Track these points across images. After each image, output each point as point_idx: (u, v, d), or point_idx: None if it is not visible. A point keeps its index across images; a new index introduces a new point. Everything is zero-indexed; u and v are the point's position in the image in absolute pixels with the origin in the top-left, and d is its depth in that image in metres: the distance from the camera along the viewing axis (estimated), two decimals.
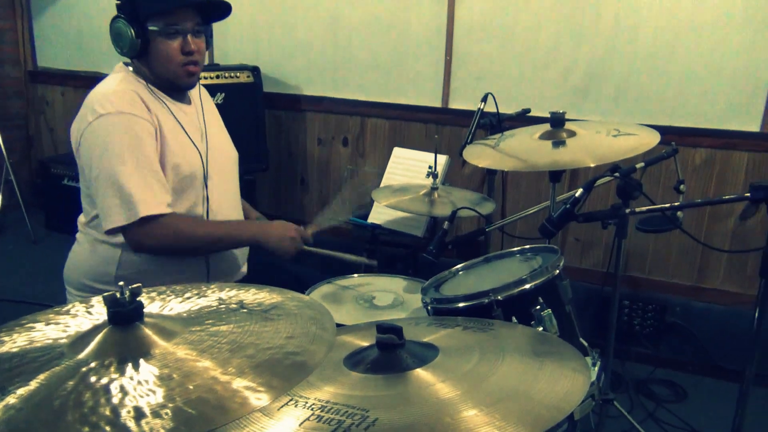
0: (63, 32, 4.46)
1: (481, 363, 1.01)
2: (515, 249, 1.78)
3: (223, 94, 3.39)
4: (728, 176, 2.90)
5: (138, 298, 0.86)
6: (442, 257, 1.83)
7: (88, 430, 0.68)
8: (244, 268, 2.06)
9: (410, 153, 2.95)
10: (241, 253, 2.02)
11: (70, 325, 0.92)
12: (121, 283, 0.84)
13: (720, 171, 2.91)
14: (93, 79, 2.02)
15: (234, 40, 3.80)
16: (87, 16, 4.27)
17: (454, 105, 3.36)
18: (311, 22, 3.59)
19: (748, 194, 1.43)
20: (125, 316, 0.85)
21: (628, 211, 1.66)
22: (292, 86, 3.74)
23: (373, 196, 2.38)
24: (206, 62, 2.26)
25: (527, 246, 1.76)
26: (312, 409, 0.93)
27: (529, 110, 2.76)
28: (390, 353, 1.04)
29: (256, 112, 3.60)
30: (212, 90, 3.19)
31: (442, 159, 2.75)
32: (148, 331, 0.85)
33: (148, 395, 0.73)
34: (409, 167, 2.90)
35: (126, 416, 0.70)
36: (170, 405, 0.72)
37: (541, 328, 1.41)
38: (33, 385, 0.77)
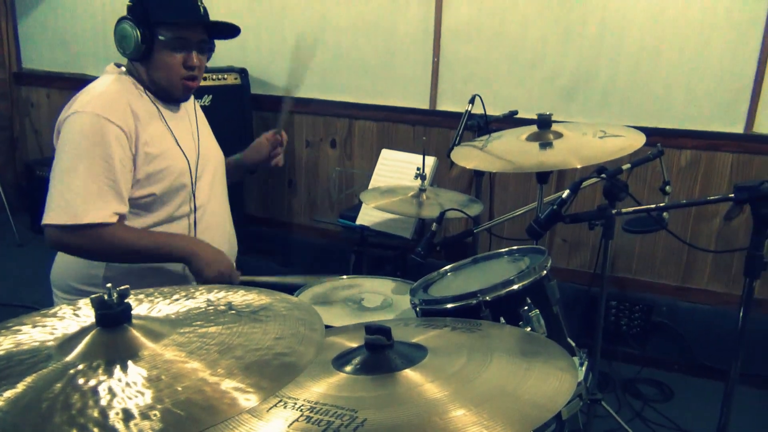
0: (48, 34, 4.42)
1: (469, 363, 1.01)
2: (503, 250, 1.79)
3: (211, 96, 3.38)
4: (713, 177, 2.93)
5: (126, 300, 0.85)
6: (431, 258, 1.84)
7: None
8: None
9: (398, 155, 2.96)
10: (231, 254, 2.02)
11: (57, 328, 0.91)
12: (108, 285, 0.84)
13: (705, 172, 2.94)
14: (78, 81, 2.01)
15: (221, 42, 3.76)
16: (72, 18, 4.24)
17: (441, 107, 3.37)
18: (299, 24, 3.59)
19: (732, 195, 1.44)
20: (113, 318, 0.84)
21: (614, 212, 1.67)
22: (279, 88, 3.74)
23: (362, 198, 2.37)
24: None
25: (515, 247, 1.77)
26: (301, 410, 0.93)
27: (516, 112, 2.78)
28: (379, 354, 1.05)
29: (244, 114, 3.60)
30: (200, 92, 3.17)
31: (430, 160, 2.75)
32: (136, 333, 0.84)
33: (136, 397, 0.73)
34: (397, 169, 2.91)
35: (114, 418, 0.70)
36: (159, 406, 0.72)
37: (528, 329, 1.42)
38: (20, 387, 0.76)
